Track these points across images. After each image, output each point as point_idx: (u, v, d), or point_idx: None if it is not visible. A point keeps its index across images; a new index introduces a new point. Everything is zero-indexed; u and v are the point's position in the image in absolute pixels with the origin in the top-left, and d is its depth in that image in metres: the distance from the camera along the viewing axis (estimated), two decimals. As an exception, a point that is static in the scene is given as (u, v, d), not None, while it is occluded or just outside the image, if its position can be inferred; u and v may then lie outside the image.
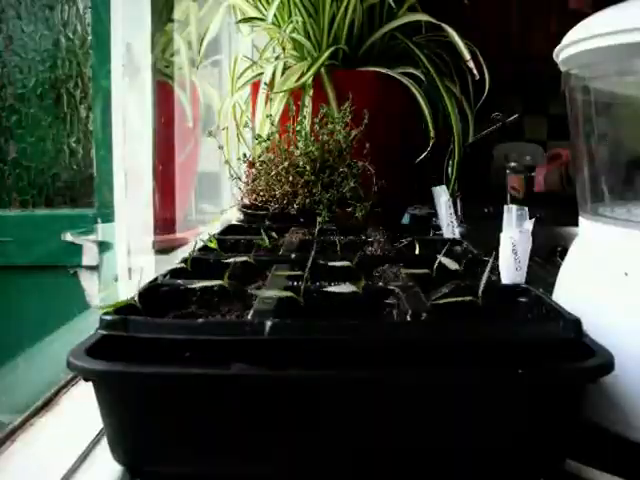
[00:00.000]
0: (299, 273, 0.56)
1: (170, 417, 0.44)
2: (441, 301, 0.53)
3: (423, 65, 1.28)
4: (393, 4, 1.23)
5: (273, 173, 1.04)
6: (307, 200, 1.02)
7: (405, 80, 1.26)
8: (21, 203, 1.53)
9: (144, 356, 0.44)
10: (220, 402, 0.44)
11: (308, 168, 1.03)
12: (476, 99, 1.37)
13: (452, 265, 0.64)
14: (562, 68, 0.71)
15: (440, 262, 0.64)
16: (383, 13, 1.33)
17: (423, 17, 1.28)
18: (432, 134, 1.30)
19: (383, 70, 1.26)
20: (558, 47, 0.69)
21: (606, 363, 0.44)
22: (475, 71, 1.25)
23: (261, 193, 1.08)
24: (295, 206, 1.02)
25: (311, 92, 1.19)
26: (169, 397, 0.44)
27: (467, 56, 1.25)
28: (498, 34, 3.02)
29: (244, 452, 0.45)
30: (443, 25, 1.27)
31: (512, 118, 2.01)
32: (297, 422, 0.44)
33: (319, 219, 0.98)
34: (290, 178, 1.03)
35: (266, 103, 1.21)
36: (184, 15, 1.62)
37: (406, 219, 1.61)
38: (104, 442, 0.49)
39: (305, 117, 1.15)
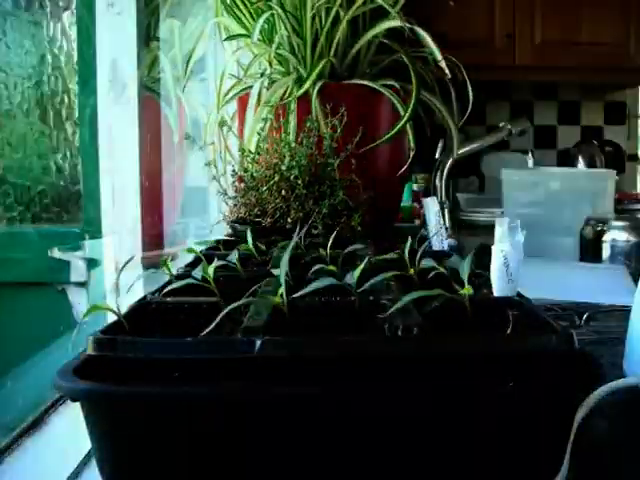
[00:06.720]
0: (288, 288, 0.56)
1: (159, 437, 0.44)
2: (432, 315, 0.53)
3: (406, 76, 1.28)
4: (386, 5, 1.22)
5: (265, 188, 1.04)
6: (301, 214, 1.02)
7: (388, 92, 1.26)
8: (8, 220, 1.52)
9: (133, 376, 0.43)
10: (209, 421, 0.43)
11: (300, 182, 1.03)
12: (463, 110, 1.38)
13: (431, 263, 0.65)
14: None
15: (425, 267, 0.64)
16: (366, 24, 1.33)
17: (399, 23, 1.28)
18: (412, 146, 1.31)
19: (367, 83, 1.27)
20: None
21: (598, 374, 0.44)
22: (447, 70, 1.25)
23: (253, 207, 1.07)
24: (289, 220, 1.02)
25: (295, 107, 1.19)
26: (158, 417, 0.43)
27: (439, 57, 1.25)
28: (483, 45, 3.04)
29: (238, 473, 0.44)
30: (415, 28, 1.26)
31: (521, 129, 2.01)
32: (292, 441, 0.44)
33: (315, 231, 0.97)
34: (282, 192, 1.03)
35: (254, 118, 1.21)
36: (169, 33, 1.62)
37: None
38: (93, 464, 0.48)
39: (289, 133, 1.15)
